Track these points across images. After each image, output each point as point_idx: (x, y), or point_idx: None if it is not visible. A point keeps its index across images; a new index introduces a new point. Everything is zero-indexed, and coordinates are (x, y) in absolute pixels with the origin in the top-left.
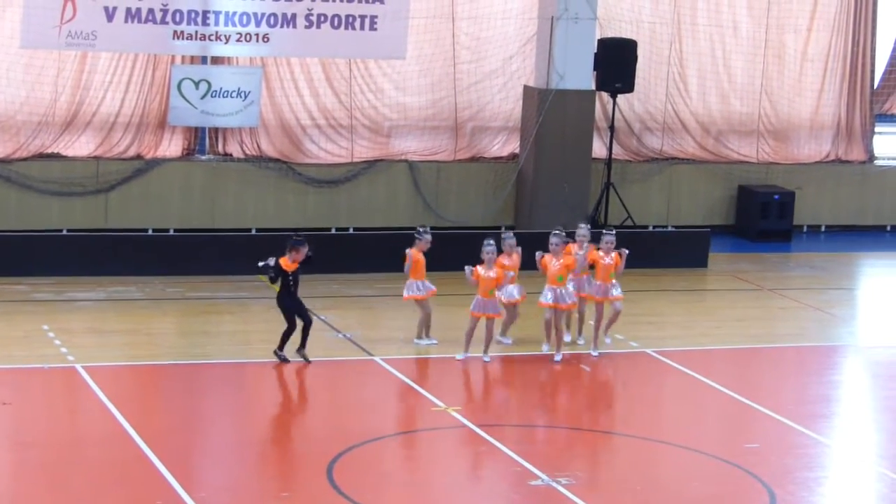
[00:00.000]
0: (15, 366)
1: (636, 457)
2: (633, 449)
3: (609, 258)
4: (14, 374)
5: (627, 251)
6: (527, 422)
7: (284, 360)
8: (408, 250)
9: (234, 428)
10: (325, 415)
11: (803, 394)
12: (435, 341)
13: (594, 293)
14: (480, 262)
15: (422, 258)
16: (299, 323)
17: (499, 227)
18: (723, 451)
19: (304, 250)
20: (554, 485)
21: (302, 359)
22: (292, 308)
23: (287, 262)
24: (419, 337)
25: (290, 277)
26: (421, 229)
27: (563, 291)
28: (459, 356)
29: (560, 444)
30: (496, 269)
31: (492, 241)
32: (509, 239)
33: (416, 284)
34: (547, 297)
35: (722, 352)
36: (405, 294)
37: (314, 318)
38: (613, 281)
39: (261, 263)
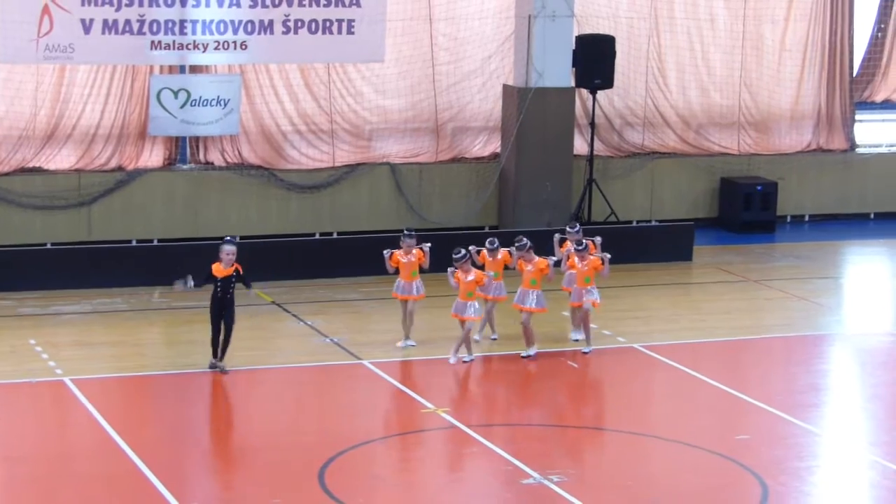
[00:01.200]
0: (2, 381)
1: (627, 452)
2: (623, 444)
3: (583, 264)
4: (1, 389)
5: (609, 256)
6: (516, 420)
7: (221, 370)
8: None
9: (224, 436)
10: (314, 420)
11: (792, 384)
12: (413, 343)
13: (572, 297)
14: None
15: (405, 259)
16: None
17: (482, 228)
18: (714, 443)
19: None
20: (546, 482)
21: (217, 370)
22: (217, 315)
23: (219, 268)
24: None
25: (219, 284)
26: (406, 232)
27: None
28: (467, 359)
29: (550, 441)
30: (475, 272)
31: (460, 249)
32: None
33: (399, 284)
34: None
35: (709, 344)
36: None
37: (302, 324)
38: (589, 287)
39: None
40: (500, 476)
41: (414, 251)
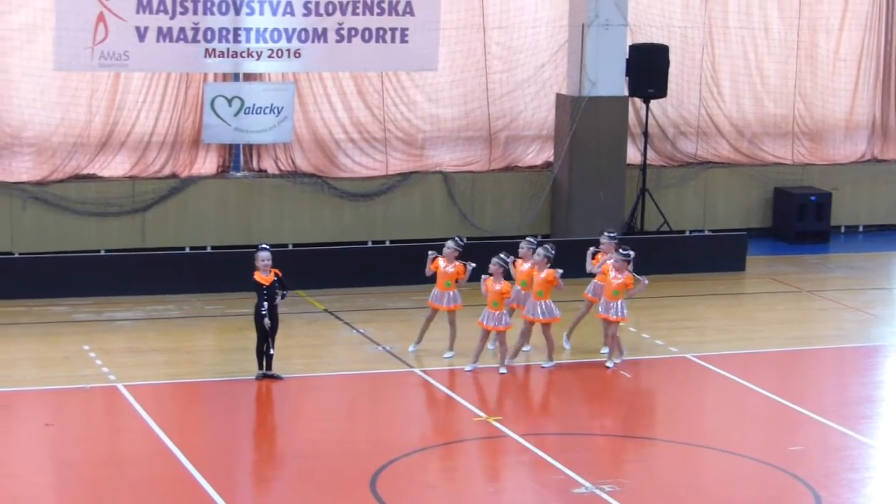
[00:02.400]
0: (57, 387)
1: (679, 462)
2: (676, 454)
3: (619, 277)
4: (56, 395)
5: (647, 282)
6: (568, 430)
7: (276, 377)
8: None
9: (276, 443)
10: (366, 428)
11: (845, 395)
12: (412, 348)
13: (600, 309)
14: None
15: (443, 267)
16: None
17: (535, 237)
18: (766, 454)
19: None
20: (598, 492)
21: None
22: (263, 323)
23: (261, 277)
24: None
25: (265, 291)
26: (457, 239)
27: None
28: (502, 370)
29: (602, 451)
30: (504, 282)
31: (502, 256)
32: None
33: (434, 292)
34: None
35: (762, 355)
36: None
37: (354, 332)
38: (619, 301)
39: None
40: (552, 486)
41: (455, 263)
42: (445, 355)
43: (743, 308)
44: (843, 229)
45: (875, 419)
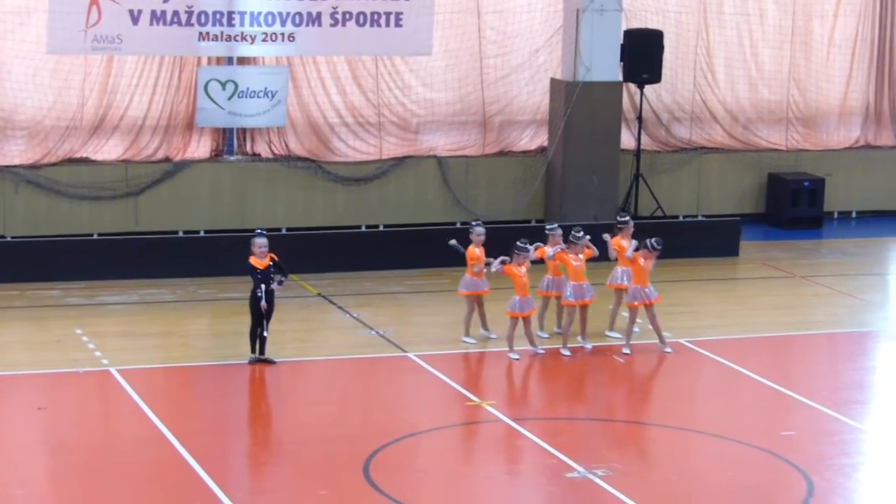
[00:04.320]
0: (49, 370)
1: (672, 447)
2: (668, 439)
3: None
4: (48, 379)
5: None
6: (561, 414)
7: (269, 361)
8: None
9: (270, 427)
10: (359, 412)
11: (838, 380)
12: (472, 341)
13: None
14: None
15: (475, 252)
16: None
17: (528, 221)
18: (759, 439)
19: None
20: (591, 477)
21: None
22: (258, 307)
23: (256, 262)
24: (466, 334)
25: (260, 275)
26: (473, 223)
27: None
28: (512, 356)
29: (595, 436)
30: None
31: (525, 241)
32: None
33: (465, 279)
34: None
35: (755, 340)
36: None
37: (347, 316)
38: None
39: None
40: (545, 470)
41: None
42: (491, 335)
43: (736, 293)
44: (836, 215)
45: (867, 404)
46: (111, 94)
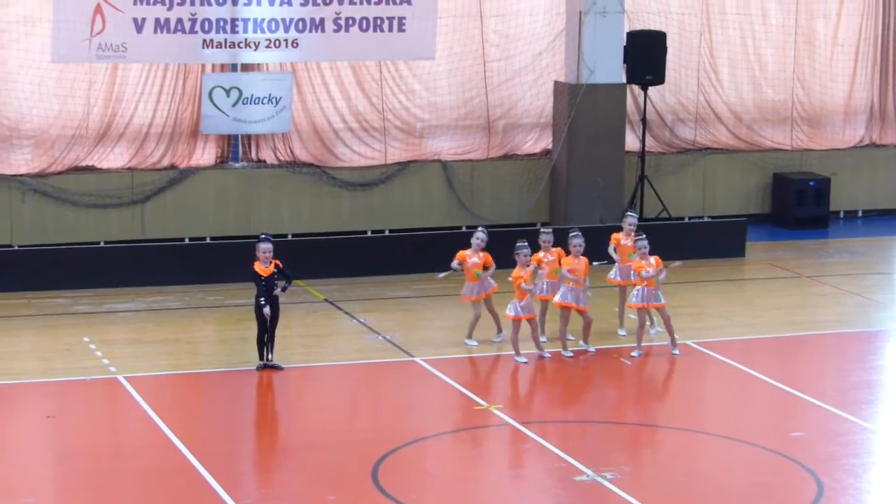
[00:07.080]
0: (57, 378)
1: (680, 449)
2: (676, 441)
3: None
4: (57, 387)
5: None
6: (570, 417)
7: (277, 367)
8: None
9: (278, 433)
10: (368, 417)
11: (846, 380)
12: (474, 343)
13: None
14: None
15: (470, 259)
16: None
17: (534, 224)
18: (768, 440)
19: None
20: (599, 480)
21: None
22: (263, 314)
23: (261, 268)
24: (469, 337)
25: (264, 282)
26: (479, 229)
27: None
28: (520, 360)
29: (604, 438)
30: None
31: (525, 243)
32: (546, 235)
33: (467, 287)
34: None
35: (763, 341)
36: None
37: (354, 321)
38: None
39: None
40: (553, 473)
41: (481, 253)
42: (495, 339)
43: (743, 294)
44: (842, 214)
45: (876, 404)
46: (116, 102)
